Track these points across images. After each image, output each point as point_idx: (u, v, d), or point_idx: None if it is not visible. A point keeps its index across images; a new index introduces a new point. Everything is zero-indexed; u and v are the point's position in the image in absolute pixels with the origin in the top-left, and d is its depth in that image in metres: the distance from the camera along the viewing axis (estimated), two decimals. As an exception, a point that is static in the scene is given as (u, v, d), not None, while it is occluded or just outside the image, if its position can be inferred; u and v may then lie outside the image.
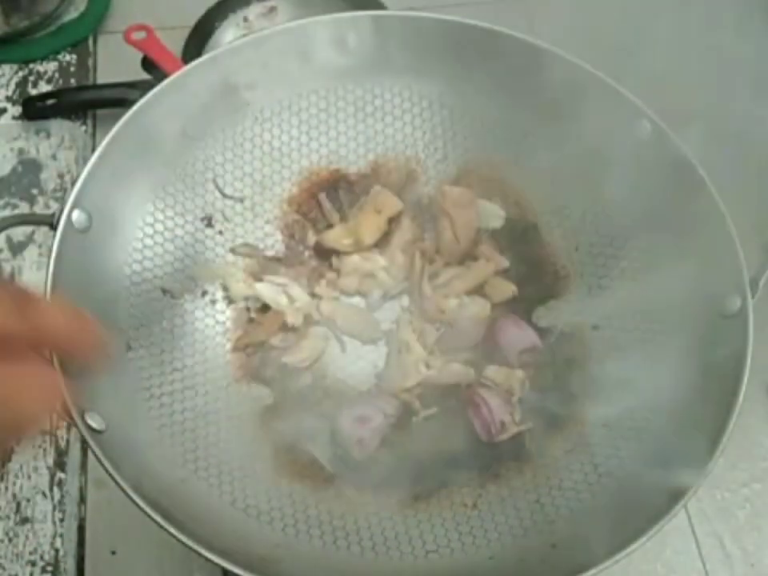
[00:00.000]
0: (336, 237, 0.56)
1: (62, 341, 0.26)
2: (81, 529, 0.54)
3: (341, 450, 0.50)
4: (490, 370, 0.52)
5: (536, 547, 0.46)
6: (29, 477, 0.54)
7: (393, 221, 0.57)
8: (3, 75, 0.71)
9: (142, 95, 0.51)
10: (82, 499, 0.54)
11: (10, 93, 0.69)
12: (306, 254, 0.58)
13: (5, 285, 0.25)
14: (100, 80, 0.71)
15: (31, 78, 0.71)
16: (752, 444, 0.57)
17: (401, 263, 0.56)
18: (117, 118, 0.50)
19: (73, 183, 0.48)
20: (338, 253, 0.56)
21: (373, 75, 0.58)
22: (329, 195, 0.58)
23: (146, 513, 0.39)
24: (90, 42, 0.73)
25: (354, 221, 0.56)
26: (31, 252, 0.61)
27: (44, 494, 0.54)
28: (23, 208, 0.63)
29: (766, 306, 0.48)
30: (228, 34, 0.72)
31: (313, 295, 0.55)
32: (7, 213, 0.63)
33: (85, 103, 0.68)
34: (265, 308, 0.54)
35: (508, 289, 0.55)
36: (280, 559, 0.44)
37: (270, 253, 0.57)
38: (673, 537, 0.53)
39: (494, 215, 0.57)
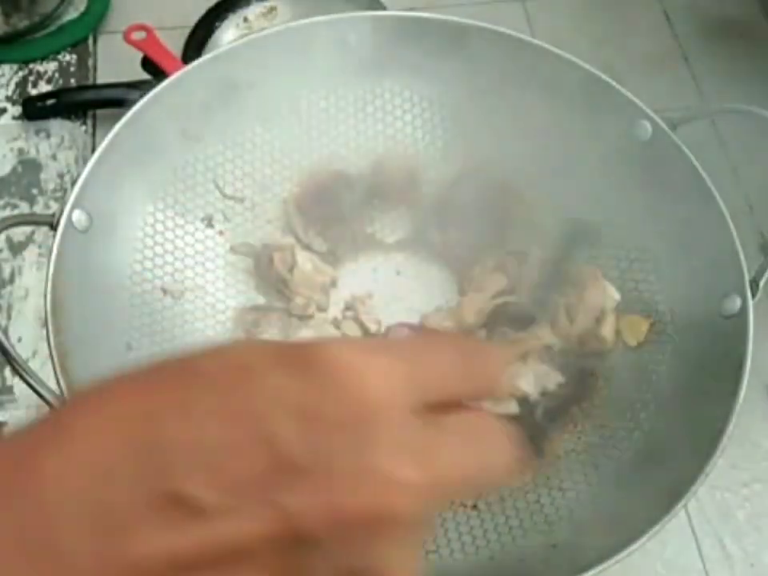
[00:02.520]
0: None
1: (491, 395, 0.24)
2: (81, 529, 0.54)
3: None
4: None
5: (536, 547, 0.46)
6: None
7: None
8: (3, 75, 0.70)
9: (142, 95, 0.51)
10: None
11: (9, 93, 0.69)
12: (306, 254, 0.58)
13: (459, 342, 0.24)
14: (100, 80, 0.71)
15: (31, 78, 0.70)
16: (752, 444, 0.57)
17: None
18: (117, 118, 0.50)
19: (73, 183, 0.48)
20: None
21: (373, 75, 0.58)
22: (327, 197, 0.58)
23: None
24: (90, 41, 0.73)
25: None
26: (31, 252, 0.61)
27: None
28: (23, 208, 0.63)
29: (766, 306, 0.48)
30: (228, 34, 0.72)
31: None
32: (7, 213, 0.63)
33: (85, 103, 0.68)
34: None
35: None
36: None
37: (270, 253, 0.57)
38: (673, 537, 0.53)
39: (610, 297, 0.53)
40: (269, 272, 0.55)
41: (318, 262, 0.55)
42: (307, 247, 0.57)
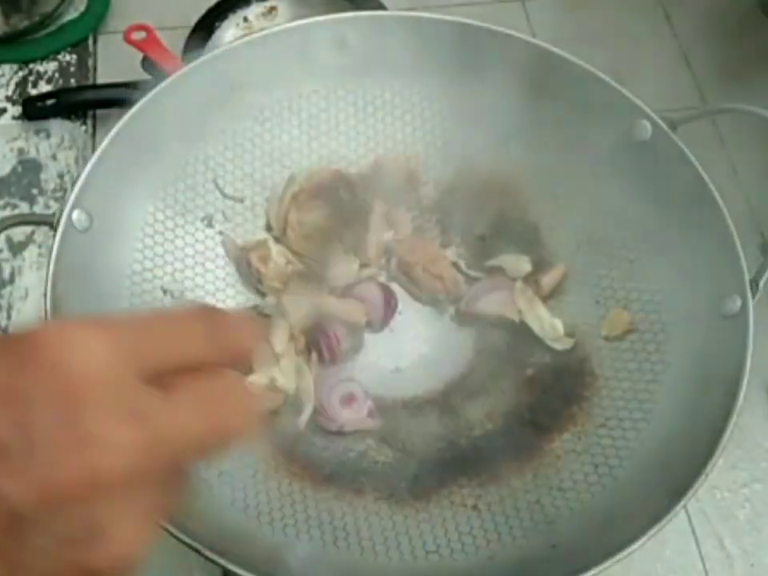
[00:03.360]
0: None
1: (240, 361, 0.25)
2: (81, 529, 0.54)
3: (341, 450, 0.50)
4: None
5: (536, 547, 0.46)
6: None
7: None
8: (3, 75, 0.70)
9: (142, 95, 0.51)
10: (82, 499, 0.54)
11: (10, 93, 0.69)
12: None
13: (201, 312, 0.24)
14: (100, 80, 0.71)
15: (31, 78, 0.70)
16: (752, 444, 0.57)
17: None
18: (117, 118, 0.50)
19: (73, 183, 0.48)
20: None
21: (373, 75, 0.58)
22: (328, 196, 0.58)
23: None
24: (90, 41, 0.73)
25: None
26: (31, 252, 0.61)
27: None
28: (23, 208, 0.63)
29: (766, 306, 0.48)
30: (228, 34, 0.72)
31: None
32: (7, 213, 0.63)
33: (85, 103, 0.68)
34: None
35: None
36: (280, 559, 0.44)
37: (269, 253, 0.57)
38: (673, 537, 0.53)
39: (524, 263, 0.56)
40: (248, 271, 0.55)
41: (291, 257, 0.55)
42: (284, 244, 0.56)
